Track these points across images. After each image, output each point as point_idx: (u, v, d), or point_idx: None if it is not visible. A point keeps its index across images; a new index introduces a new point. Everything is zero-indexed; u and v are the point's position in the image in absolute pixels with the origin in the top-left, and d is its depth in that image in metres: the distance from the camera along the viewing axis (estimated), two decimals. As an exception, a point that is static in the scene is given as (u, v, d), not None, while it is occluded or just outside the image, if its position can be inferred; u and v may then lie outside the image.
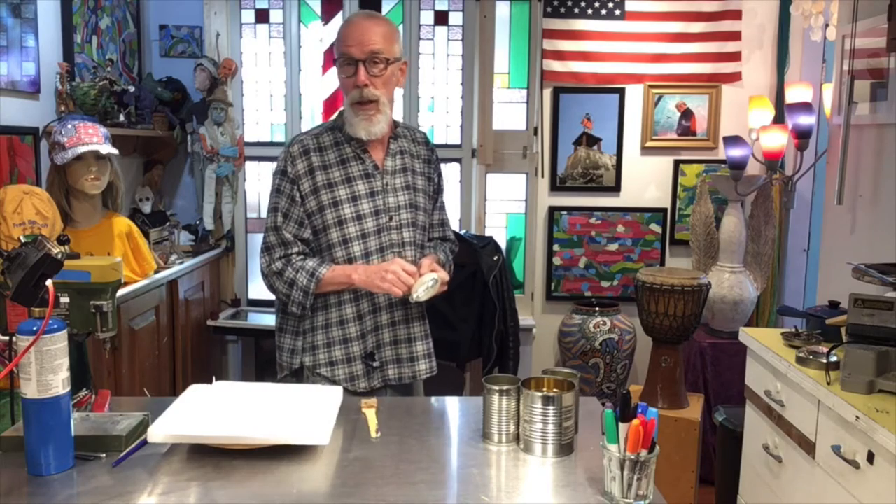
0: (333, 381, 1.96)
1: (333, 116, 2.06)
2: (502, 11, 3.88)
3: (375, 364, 1.99)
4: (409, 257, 1.98)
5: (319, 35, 3.97)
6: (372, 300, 1.96)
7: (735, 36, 3.74)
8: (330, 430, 1.42)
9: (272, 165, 4.00)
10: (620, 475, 1.22)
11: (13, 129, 2.74)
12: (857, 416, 1.66)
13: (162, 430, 1.38)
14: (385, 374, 2.00)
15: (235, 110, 3.86)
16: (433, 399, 1.82)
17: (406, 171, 2.03)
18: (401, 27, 3.92)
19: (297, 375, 2.02)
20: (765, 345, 2.22)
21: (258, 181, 4.08)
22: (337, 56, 1.93)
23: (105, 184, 2.64)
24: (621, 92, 3.80)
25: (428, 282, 1.86)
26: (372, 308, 1.97)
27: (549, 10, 3.72)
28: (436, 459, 1.43)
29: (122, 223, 2.76)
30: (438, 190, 2.15)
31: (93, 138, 2.56)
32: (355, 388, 1.96)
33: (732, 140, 3.33)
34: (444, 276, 1.92)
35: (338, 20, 3.93)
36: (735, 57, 3.76)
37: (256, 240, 4.06)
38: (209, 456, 1.37)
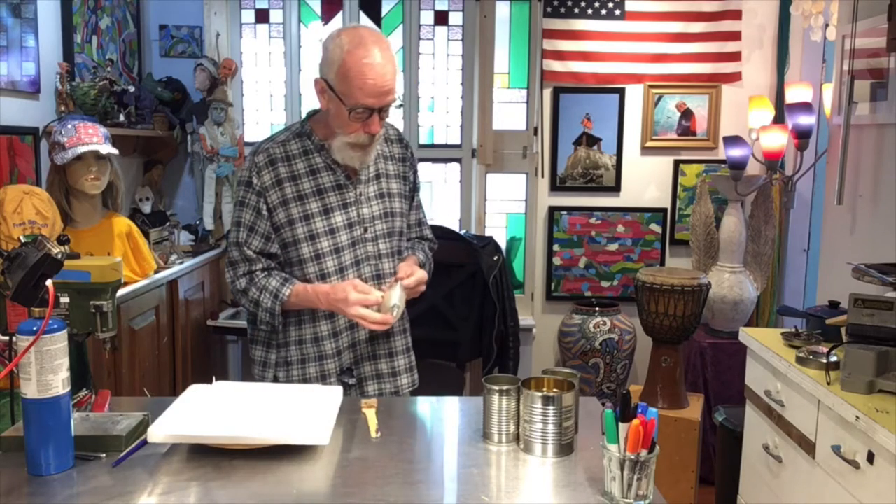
0: None
1: (299, 121, 1.93)
2: (502, 11, 3.88)
3: (352, 382, 1.92)
4: (386, 269, 1.90)
5: (319, 35, 3.96)
6: None
7: (735, 36, 3.74)
8: (330, 430, 1.42)
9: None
10: (620, 475, 1.22)
11: (13, 129, 2.74)
12: (857, 416, 1.66)
13: (162, 430, 1.37)
14: (363, 391, 1.93)
15: (235, 110, 3.86)
16: (433, 399, 1.82)
17: (380, 178, 1.93)
18: (401, 27, 3.92)
19: None
20: (765, 345, 2.22)
21: (258, 181, 4.07)
22: (347, 100, 1.73)
23: (105, 184, 2.64)
24: (621, 92, 3.80)
25: (392, 304, 1.77)
26: (349, 324, 1.88)
27: (549, 10, 3.72)
28: (436, 459, 1.43)
29: (122, 223, 2.76)
30: (415, 188, 2.04)
31: (93, 138, 2.56)
32: None
33: (732, 140, 3.33)
34: (412, 280, 1.82)
35: (338, 20, 3.93)
36: (735, 57, 3.76)
37: (256, 240, 4.05)
38: (209, 456, 1.37)
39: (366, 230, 1.89)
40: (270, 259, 1.86)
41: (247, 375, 4.00)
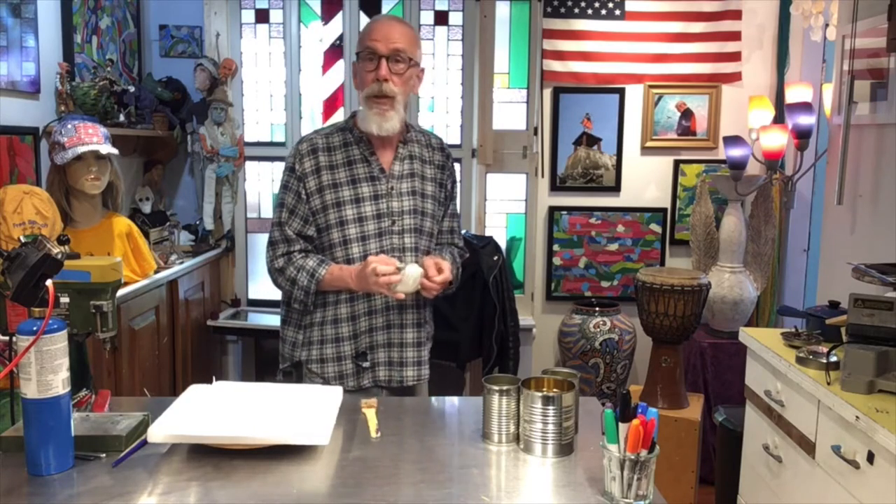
0: (323, 378, 1.98)
1: (347, 117, 2.08)
2: (502, 11, 3.88)
3: (366, 364, 1.99)
4: (409, 263, 1.95)
5: (319, 35, 3.97)
6: (368, 302, 1.97)
7: (735, 36, 3.74)
8: (330, 430, 1.42)
9: (272, 165, 4.02)
10: (620, 475, 1.22)
11: (13, 129, 2.74)
12: (857, 416, 1.66)
13: (162, 430, 1.37)
14: (376, 375, 2.01)
15: (235, 110, 3.87)
16: (433, 399, 1.83)
17: (414, 177, 2.03)
18: (401, 27, 3.92)
19: (298, 368, 2.04)
20: (765, 345, 2.22)
21: (258, 181, 4.08)
22: (359, 50, 1.95)
23: (105, 184, 2.64)
24: (621, 92, 3.80)
25: (399, 266, 1.83)
26: (367, 309, 1.98)
27: (549, 10, 3.72)
28: (436, 459, 1.43)
29: (122, 223, 2.76)
30: (450, 197, 2.14)
31: (93, 138, 2.56)
32: (344, 387, 1.95)
33: (732, 140, 3.33)
34: (433, 269, 1.88)
35: (338, 20, 3.93)
36: (735, 57, 3.76)
37: (256, 240, 4.06)
38: (209, 456, 1.37)
39: (394, 223, 1.98)
40: (308, 241, 1.98)
41: (247, 375, 4.01)
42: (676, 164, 3.86)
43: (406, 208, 2.00)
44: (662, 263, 3.93)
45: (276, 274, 2.00)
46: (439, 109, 3.99)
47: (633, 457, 1.21)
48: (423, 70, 2.05)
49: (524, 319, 3.77)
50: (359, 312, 1.98)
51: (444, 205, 2.12)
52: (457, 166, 3.99)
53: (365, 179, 1.97)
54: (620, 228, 3.90)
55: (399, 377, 2.02)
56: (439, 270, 1.89)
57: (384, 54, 1.90)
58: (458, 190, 2.18)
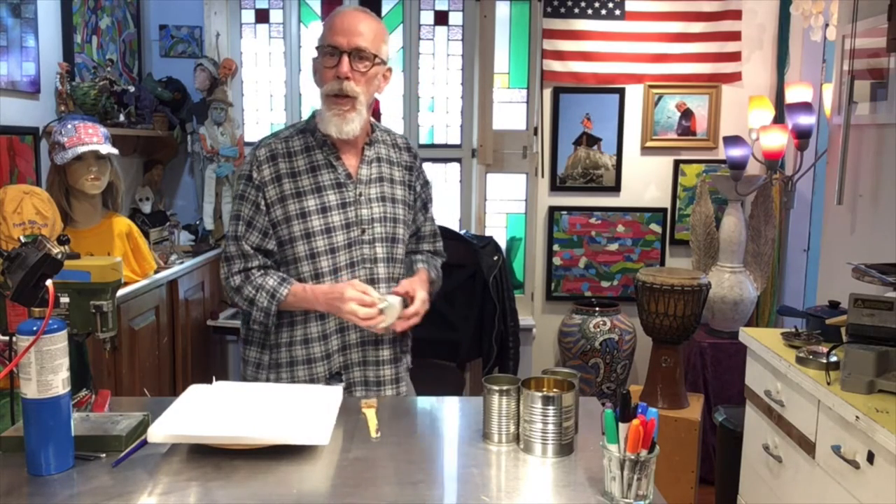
0: None
1: (306, 118, 1.92)
2: (502, 11, 3.88)
3: (341, 385, 1.87)
4: (381, 274, 1.86)
5: (319, 35, 3.96)
6: (340, 318, 1.82)
7: (735, 36, 3.74)
8: (330, 430, 1.42)
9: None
10: (620, 475, 1.22)
11: (13, 129, 2.74)
12: (857, 416, 1.66)
13: (162, 430, 1.37)
14: (353, 395, 1.87)
15: (235, 110, 3.87)
16: (433, 399, 1.82)
17: (383, 181, 1.88)
18: (401, 27, 3.92)
19: None
20: (765, 345, 2.22)
21: (258, 181, 4.07)
22: (319, 45, 1.80)
23: (105, 184, 2.64)
24: (621, 92, 3.80)
25: (383, 305, 1.72)
26: (339, 327, 1.84)
27: (549, 10, 3.73)
28: (436, 459, 1.43)
29: (122, 223, 2.76)
30: (426, 199, 2.01)
31: (93, 138, 2.56)
32: None
33: (732, 140, 3.33)
34: (409, 311, 1.79)
35: (338, 20, 3.93)
36: (735, 57, 3.76)
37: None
38: (209, 456, 1.37)
39: (363, 232, 1.84)
40: (267, 256, 1.83)
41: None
42: (676, 164, 3.86)
43: (376, 216, 1.85)
44: (662, 263, 3.93)
45: (232, 293, 1.83)
46: (439, 109, 3.99)
47: (633, 457, 1.20)
48: (389, 69, 1.86)
49: (524, 319, 3.77)
50: (330, 330, 1.84)
51: (414, 208, 1.97)
52: (457, 166, 4.00)
53: (331, 187, 1.81)
54: (620, 228, 3.90)
55: (377, 396, 1.88)
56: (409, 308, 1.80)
57: (346, 50, 1.74)
58: (431, 190, 2.04)
